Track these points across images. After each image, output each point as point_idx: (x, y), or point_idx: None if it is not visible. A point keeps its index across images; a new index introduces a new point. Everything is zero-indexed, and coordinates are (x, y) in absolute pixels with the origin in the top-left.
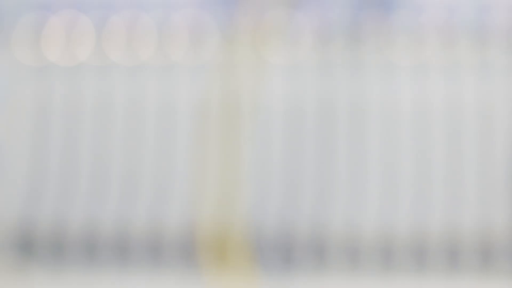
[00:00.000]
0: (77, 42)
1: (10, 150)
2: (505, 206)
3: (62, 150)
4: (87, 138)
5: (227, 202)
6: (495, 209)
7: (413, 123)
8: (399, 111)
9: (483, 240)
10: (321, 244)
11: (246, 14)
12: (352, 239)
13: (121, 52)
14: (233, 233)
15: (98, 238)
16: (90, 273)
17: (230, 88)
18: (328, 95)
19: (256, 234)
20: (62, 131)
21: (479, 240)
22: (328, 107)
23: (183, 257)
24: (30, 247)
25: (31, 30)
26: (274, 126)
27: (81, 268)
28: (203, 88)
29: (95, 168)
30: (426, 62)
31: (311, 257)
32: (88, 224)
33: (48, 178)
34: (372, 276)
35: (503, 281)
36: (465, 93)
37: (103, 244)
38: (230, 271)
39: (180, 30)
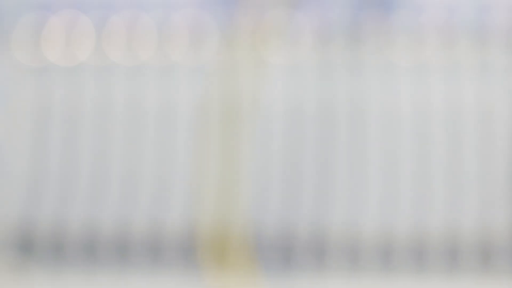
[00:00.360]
0: (77, 42)
1: (10, 150)
2: (505, 206)
3: (62, 150)
4: (87, 138)
5: (227, 202)
6: (495, 209)
7: (413, 123)
8: (399, 111)
9: (483, 240)
10: (321, 244)
11: (246, 14)
12: (352, 239)
13: (121, 53)
14: (233, 233)
15: (98, 238)
16: (90, 273)
17: (230, 89)
18: (328, 96)
19: (256, 234)
20: (62, 131)
21: (479, 240)
22: (328, 107)
23: (183, 257)
24: (30, 247)
25: (31, 30)
26: (274, 127)
27: (81, 268)
28: (203, 89)
29: (95, 169)
30: (426, 62)
31: (311, 257)
32: (88, 224)
33: (48, 179)
34: (372, 276)
35: (503, 281)
36: (465, 94)
37: (103, 244)
38: (230, 271)
39: (180, 30)
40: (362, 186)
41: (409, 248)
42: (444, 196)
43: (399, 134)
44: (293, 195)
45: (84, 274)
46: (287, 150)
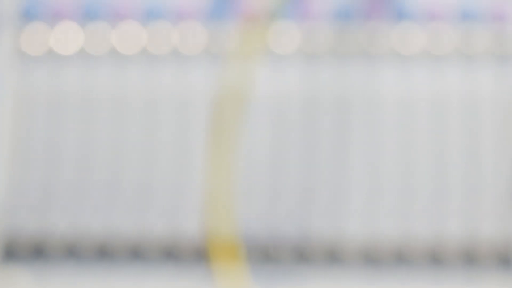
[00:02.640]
0: (89, 33)
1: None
2: (494, 212)
3: (73, 152)
4: (101, 131)
5: (228, 203)
6: (483, 216)
7: (428, 117)
8: (413, 104)
9: (470, 248)
10: (334, 250)
11: (246, 8)
12: (335, 243)
13: (135, 46)
14: (237, 238)
15: (96, 241)
16: (100, 279)
17: (229, 84)
18: (343, 88)
19: (255, 238)
20: (75, 127)
21: (465, 248)
22: (344, 98)
23: (192, 261)
24: (44, 255)
25: (39, 21)
26: (288, 121)
27: (92, 274)
28: (203, 87)
29: (108, 173)
30: (441, 53)
31: (314, 262)
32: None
33: (60, 185)
34: (357, 283)
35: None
36: (481, 86)
37: (102, 246)
38: (235, 274)
39: (188, 21)
40: (346, 190)
41: (396, 254)
42: (461, 200)
43: (414, 130)
44: (307, 194)
45: (94, 281)
46: (302, 143)
